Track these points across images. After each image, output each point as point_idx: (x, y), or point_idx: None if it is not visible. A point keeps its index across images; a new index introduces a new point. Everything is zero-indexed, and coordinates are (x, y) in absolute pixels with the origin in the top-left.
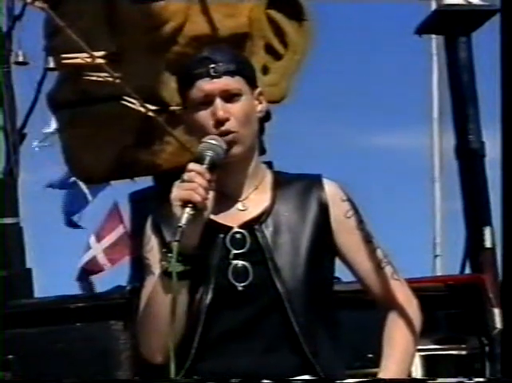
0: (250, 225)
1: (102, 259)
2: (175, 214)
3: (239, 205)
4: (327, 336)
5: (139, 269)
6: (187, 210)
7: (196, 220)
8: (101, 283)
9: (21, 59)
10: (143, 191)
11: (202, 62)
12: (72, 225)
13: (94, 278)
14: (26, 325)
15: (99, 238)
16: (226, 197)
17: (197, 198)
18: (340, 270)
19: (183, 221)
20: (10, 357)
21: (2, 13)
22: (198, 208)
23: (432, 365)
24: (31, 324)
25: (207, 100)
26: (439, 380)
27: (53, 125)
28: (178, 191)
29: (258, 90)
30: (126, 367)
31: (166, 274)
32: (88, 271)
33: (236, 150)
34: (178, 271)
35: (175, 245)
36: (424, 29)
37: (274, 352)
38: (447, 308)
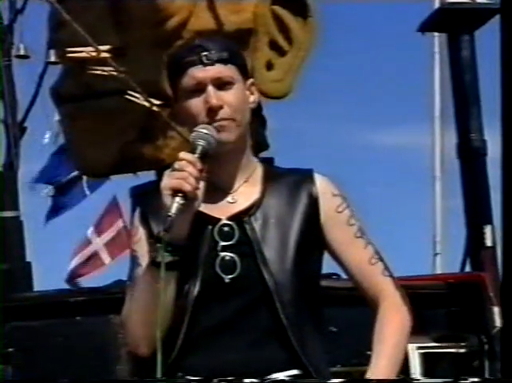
0: (239, 217)
1: (103, 254)
2: (165, 203)
3: (229, 197)
4: (313, 329)
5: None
6: (177, 199)
7: (186, 210)
8: (101, 277)
9: (22, 52)
10: (145, 185)
11: (194, 50)
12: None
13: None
14: (26, 318)
15: (99, 233)
16: (216, 189)
17: (187, 187)
18: (338, 267)
19: (173, 210)
20: (10, 349)
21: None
22: (188, 198)
23: (431, 363)
24: (31, 317)
25: (199, 88)
26: (423, 380)
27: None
28: (168, 180)
29: (251, 81)
30: (125, 361)
31: (154, 264)
32: (87, 268)
33: (228, 136)
34: (166, 261)
35: (164, 234)
36: (427, 26)
37: (262, 345)
38: (446, 306)
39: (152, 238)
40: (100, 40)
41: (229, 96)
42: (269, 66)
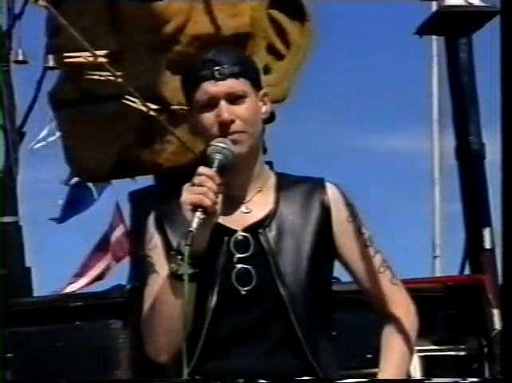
0: (254, 229)
1: (112, 261)
2: (186, 218)
3: (243, 207)
4: (326, 338)
5: (140, 268)
6: (198, 214)
7: (206, 224)
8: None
9: (20, 58)
10: (144, 190)
11: (206, 64)
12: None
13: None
14: (26, 323)
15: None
16: (230, 199)
17: (207, 202)
18: (339, 271)
19: (194, 225)
20: (10, 355)
21: (2, 11)
22: (208, 212)
23: (431, 366)
24: (30, 322)
25: (212, 103)
26: (434, 380)
27: (52, 125)
28: (188, 195)
29: (263, 91)
30: (125, 365)
31: (175, 276)
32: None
33: (241, 149)
34: (188, 274)
35: (186, 249)
36: (425, 29)
37: (276, 355)
38: (446, 309)
39: (170, 247)
40: (97, 44)
41: (241, 110)
42: (267, 70)
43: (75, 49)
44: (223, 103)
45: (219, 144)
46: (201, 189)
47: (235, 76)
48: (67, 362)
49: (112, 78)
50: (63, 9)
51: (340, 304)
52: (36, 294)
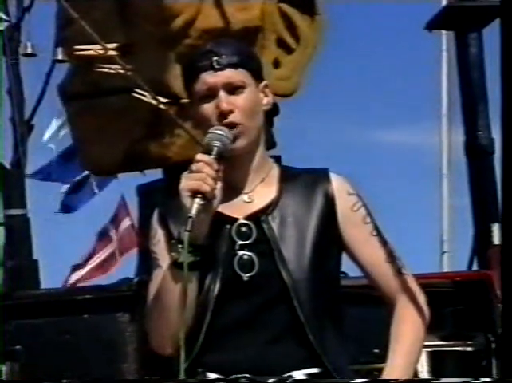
0: (257, 216)
1: (117, 251)
2: (185, 204)
3: (245, 197)
4: (333, 328)
5: (147, 261)
6: (197, 200)
7: (206, 210)
8: (109, 275)
9: (29, 51)
10: (152, 183)
11: (205, 55)
12: (67, 210)
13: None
14: (33, 315)
15: (116, 231)
16: (232, 189)
17: (206, 188)
18: (346, 266)
19: (194, 211)
20: (18, 347)
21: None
22: (207, 198)
23: (438, 362)
24: (38, 315)
25: (211, 93)
26: (444, 380)
27: (61, 118)
28: (187, 182)
29: (264, 83)
30: (132, 359)
31: (176, 264)
32: (105, 267)
33: (241, 143)
34: (189, 261)
35: (186, 235)
36: (434, 24)
37: (280, 342)
38: (453, 304)
39: (172, 239)
40: (107, 38)
41: (240, 101)
42: (277, 64)
43: (85, 42)
44: (222, 93)
45: (217, 131)
46: (199, 175)
47: (234, 66)
48: (74, 355)
49: (121, 71)
50: (73, 1)
51: (348, 299)
52: (43, 286)
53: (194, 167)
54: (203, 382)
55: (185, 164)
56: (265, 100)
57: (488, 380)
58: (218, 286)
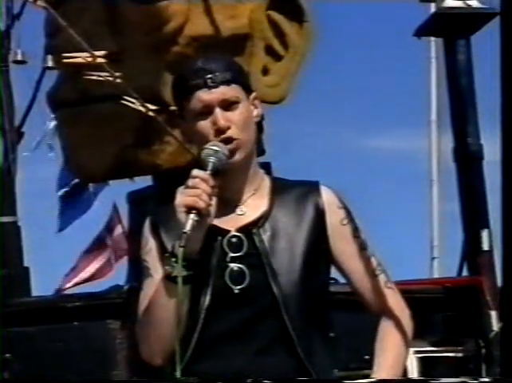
0: (248, 229)
1: (113, 258)
2: (180, 220)
3: (237, 209)
4: (321, 339)
5: (137, 269)
6: (192, 216)
7: (200, 226)
8: (99, 283)
9: (19, 58)
10: (142, 191)
11: (198, 73)
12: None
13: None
14: (24, 323)
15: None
16: (225, 201)
17: (201, 204)
18: (337, 272)
19: (188, 227)
20: (8, 355)
21: (0, 12)
22: (202, 214)
23: (429, 367)
24: (29, 323)
25: (207, 111)
26: (443, 379)
27: (52, 123)
28: (182, 198)
29: (253, 95)
30: (123, 366)
31: (169, 278)
32: (102, 272)
33: (238, 157)
34: (182, 276)
35: (180, 251)
36: (423, 31)
37: (269, 353)
38: (443, 310)
39: (164, 251)
40: (95, 45)
41: (235, 116)
42: (265, 71)
43: (74, 50)
44: (218, 110)
45: (213, 147)
46: (195, 191)
47: (227, 82)
48: (65, 362)
49: (110, 79)
50: (62, 9)
51: (338, 305)
52: (34, 293)
53: (190, 182)
54: (203, 382)
55: (175, 171)
56: (255, 112)
57: (488, 380)
58: (208, 297)
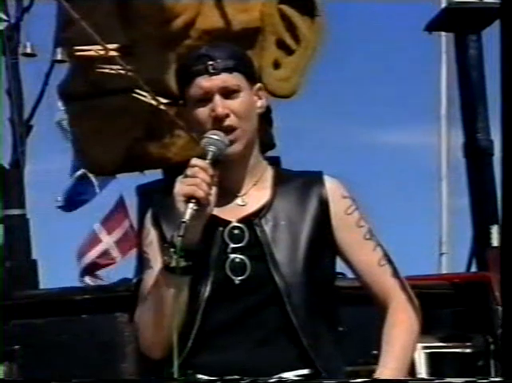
0: (249, 219)
1: (115, 252)
2: (179, 209)
3: (239, 200)
4: (327, 331)
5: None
6: (191, 205)
7: (199, 216)
8: (107, 276)
9: (29, 51)
10: (151, 184)
11: (200, 59)
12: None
13: (102, 272)
14: (32, 316)
15: (109, 231)
16: (226, 192)
17: (200, 193)
18: (344, 267)
19: (187, 216)
20: (16, 347)
21: (2, 9)
22: (201, 204)
23: (437, 363)
24: (37, 315)
25: (206, 97)
26: (453, 379)
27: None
28: (181, 187)
29: (258, 86)
30: (131, 359)
31: (168, 269)
32: (100, 265)
33: (237, 147)
34: (181, 266)
35: (178, 240)
36: (434, 26)
37: (271, 344)
38: (452, 306)
39: (165, 242)
40: (107, 38)
41: (235, 105)
42: (277, 65)
43: (85, 43)
44: (218, 97)
45: (213, 135)
46: (194, 180)
47: (229, 70)
48: (73, 355)
49: (121, 72)
50: (74, 2)
51: (346, 300)
52: (42, 286)
53: (189, 171)
54: (205, 382)
55: (185, 165)
56: (259, 103)
57: (495, 379)
58: (209, 288)
